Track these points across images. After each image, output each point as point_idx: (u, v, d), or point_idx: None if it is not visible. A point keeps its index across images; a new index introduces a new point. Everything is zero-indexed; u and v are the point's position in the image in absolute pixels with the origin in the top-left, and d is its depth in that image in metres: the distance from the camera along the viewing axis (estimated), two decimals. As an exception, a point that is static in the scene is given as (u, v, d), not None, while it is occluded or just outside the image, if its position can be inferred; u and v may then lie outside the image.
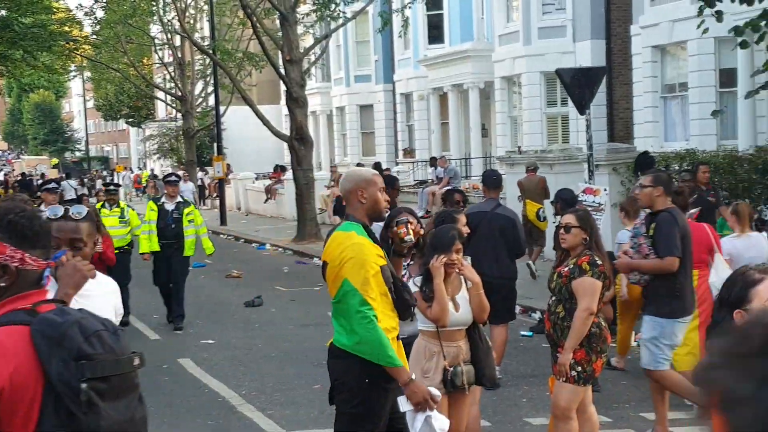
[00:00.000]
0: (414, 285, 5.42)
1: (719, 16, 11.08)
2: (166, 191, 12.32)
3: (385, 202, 4.67)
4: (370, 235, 4.58)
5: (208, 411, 8.08)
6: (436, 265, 5.32)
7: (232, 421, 7.80)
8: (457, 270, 5.41)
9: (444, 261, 5.32)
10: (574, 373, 5.70)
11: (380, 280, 4.47)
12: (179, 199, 12.20)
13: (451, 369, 5.33)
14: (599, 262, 5.71)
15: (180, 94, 32.55)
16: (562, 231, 5.99)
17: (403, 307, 4.64)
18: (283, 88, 34.60)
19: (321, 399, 8.30)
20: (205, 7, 31.05)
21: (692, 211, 10.59)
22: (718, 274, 7.68)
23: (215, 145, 28.63)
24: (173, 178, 12.46)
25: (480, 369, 5.47)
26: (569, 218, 5.98)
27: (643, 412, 7.66)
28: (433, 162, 25.20)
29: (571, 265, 5.81)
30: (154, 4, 30.22)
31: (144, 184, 44.22)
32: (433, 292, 5.33)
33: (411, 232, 4.81)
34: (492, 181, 9.04)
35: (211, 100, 32.30)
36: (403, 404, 4.56)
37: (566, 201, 9.48)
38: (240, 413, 7.99)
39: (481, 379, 5.54)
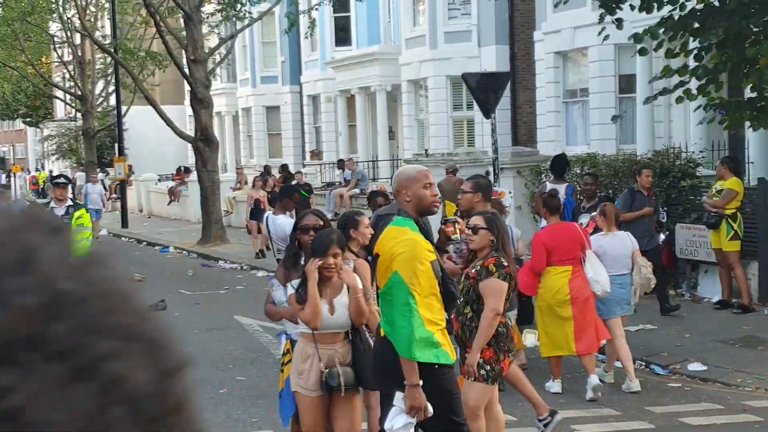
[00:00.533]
0: (291, 287, 5.56)
1: (619, 23, 11.36)
2: (53, 194, 11.79)
3: (432, 197, 4.98)
4: (422, 230, 4.90)
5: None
6: (310, 269, 5.39)
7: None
8: (336, 274, 5.47)
9: (318, 264, 5.38)
10: (482, 372, 5.80)
11: (431, 275, 4.79)
12: (69, 202, 11.70)
13: (326, 371, 5.39)
14: (505, 263, 5.79)
15: (80, 93, 31.70)
16: (469, 232, 6.06)
17: (449, 300, 4.99)
18: (187, 88, 34.04)
19: (227, 403, 8.16)
20: (107, 5, 30.31)
21: (593, 214, 10.86)
22: (594, 269, 8.17)
23: (116, 145, 27.96)
24: (62, 180, 11.93)
25: (360, 371, 5.52)
26: (477, 220, 6.07)
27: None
28: (340, 164, 25.19)
29: (478, 267, 5.88)
30: (54, 1, 29.34)
31: (41, 186, 42.87)
32: (307, 295, 5.40)
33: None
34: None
35: (112, 100, 31.55)
36: (398, 400, 4.87)
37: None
38: (143, 420, 7.78)
39: (364, 382, 5.60)
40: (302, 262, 5.69)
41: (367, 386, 5.77)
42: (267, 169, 24.65)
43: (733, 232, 11.39)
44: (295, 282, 5.61)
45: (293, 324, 5.83)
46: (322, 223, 5.99)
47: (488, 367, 5.76)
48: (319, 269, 5.42)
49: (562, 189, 11.39)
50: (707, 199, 11.78)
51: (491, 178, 13.18)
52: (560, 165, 11.89)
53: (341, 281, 5.55)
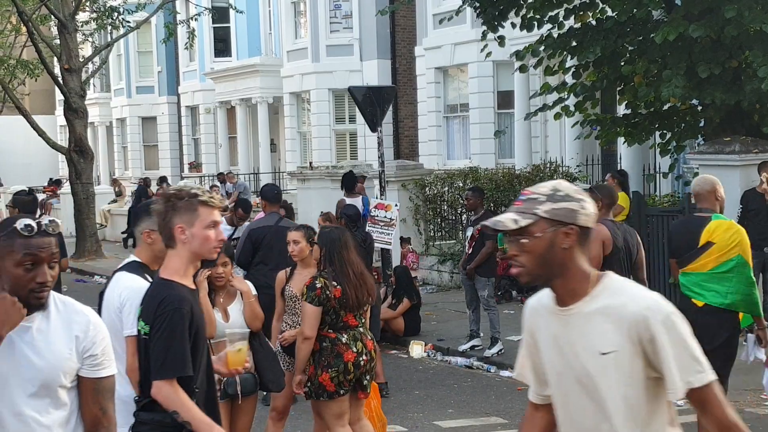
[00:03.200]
0: None
1: (502, 41, 11.65)
2: None
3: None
4: None
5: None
6: (199, 280, 5.39)
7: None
8: (226, 282, 5.57)
9: (207, 274, 5.45)
10: (306, 389, 5.83)
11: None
12: None
13: (225, 379, 5.34)
14: (318, 285, 5.73)
15: (-57, 101, 30.17)
16: (291, 245, 6.31)
17: None
18: (58, 97, 32.91)
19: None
20: (-27, 10, 28.99)
21: (476, 226, 11.07)
22: None
23: (-16, 156, 26.78)
24: None
25: (263, 375, 5.61)
26: (295, 235, 6.32)
27: (436, 420, 7.87)
28: (221, 178, 24.80)
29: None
30: None
31: None
32: None
33: None
34: (273, 195, 9.22)
35: (-21, 109, 30.17)
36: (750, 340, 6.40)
37: (350, 217, 9.62)
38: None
39: (266, 385, 5.69)
40: None
41: (272, 389, 5.83)
42: (146, 182, 24.10)
43: (619, 245, 11.79)
44: None
45: None
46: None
47: (309, 383, 5.79)
48: (209, 278, 5.51)
49: (358, 201, 12.14)
50: None
51: (377, 191, 13.27)
52: (349, 181, 12.61)
53: (234, 288, 5.64)
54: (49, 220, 2.98)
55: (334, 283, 5.73)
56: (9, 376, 2.97)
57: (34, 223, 2.92)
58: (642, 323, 2.58)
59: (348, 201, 11.80)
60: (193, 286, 3.76)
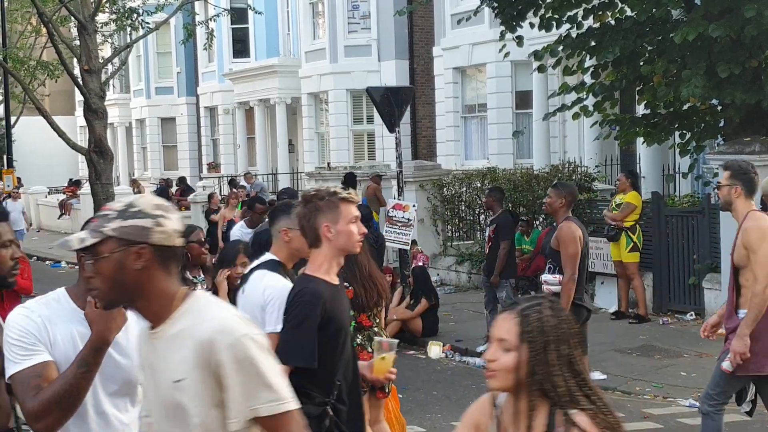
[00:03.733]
0: None
1: (520, 41, 11.61)
2: None
3: None
4: None
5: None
6: (218, 280, 5.52)
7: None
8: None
9: (227, 274, 5.51)
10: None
11: None
12: None
13: None
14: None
15: (-35, 103, 30.42)
16: None
17: None
18: (78, 98, 33.08)
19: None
20: (-6, 12, 29.24)
21: (491, 227, 11.07)
22: None
23: (5, 157, 26.92)
24: None
25: None
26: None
27: (455, 421, 7.85)
28: (233, 184, 24.73)
29: None
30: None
31: None
32: None
33: None
34: (281, 197, 9.50)
35: (1, 110, 30.40)
36: None
37: (363, 217, 9.64)
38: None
39: None
40: (186, 276, 5.76)
41: None
42: (167, 182, 24.20)
43: (632, 243, 11.76)
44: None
45: None
46: (203, 235, 6.06)
47: None
48: (228, 278, 5.55)
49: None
50: (607, 212, 12.13)
51: (395, 191, 13.27)
52: (350, 181, 13.26)
53: None
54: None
55: (346, 284, 5.74)
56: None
57: None
58: (208, 347, 2.39)
59: None
60: (335, 282, 3.85)
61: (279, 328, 3.87)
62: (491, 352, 2.54)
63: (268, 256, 4.40)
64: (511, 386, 2.51)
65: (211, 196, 19.84)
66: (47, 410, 2.80)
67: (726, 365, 5.59)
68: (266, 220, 9.79)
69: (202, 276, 6.01)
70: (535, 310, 2.50)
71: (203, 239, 5.95)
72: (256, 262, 4.39)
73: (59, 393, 2.79)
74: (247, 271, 5.66)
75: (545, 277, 7.32)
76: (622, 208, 11.85)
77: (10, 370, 2.89)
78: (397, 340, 4.34)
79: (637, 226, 11.87)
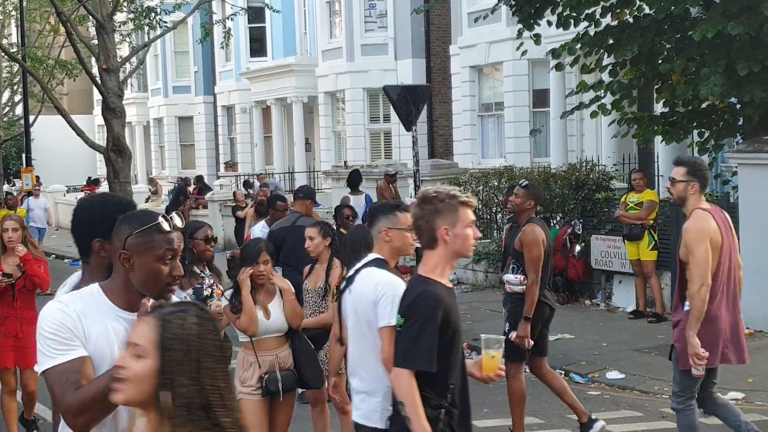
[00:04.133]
0: (225, 299, 5.71)
1: (537, 39, 11.58)
2: None
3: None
4: None
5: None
6: (242, 278, 5.56)
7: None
8: (267, 280, 5.68)
9: (249, 272, 5.57)
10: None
11: None
12: None
13: (266, 375, 5.57)
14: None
15: (-16, 102, 30.64)
16: (307, 241, 6.47)
17: None
18: (96, 97, 33.22)
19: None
20: (14, 13, 29.41)
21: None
22: None
23: (24, 156, 27.07)
24: None
25: (303, 372, 5.77)
26: (311, 231, 6.52)
27: (472, 420, 7.84)
28: (248, 185, 24.83)
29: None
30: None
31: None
32: (241, 304, 5.55)
33: None
34: (297, 195, 9.37)
35: (19, 109, 30.58)
36: None
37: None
38: None
39: (306, 382, 5.85)
40: (194, 270, 5.84)
41: (312, 385, 5.98)
42: (186, 181, 24.28)
43: (654, 242, 11.72)
44: (228, 293, 5.74)
45: None
46: (211, 233, 6.12)
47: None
48: (251, 277, 5.60)
49: (361, 199, 12.93)
50: (623, 211, 12.02)
51: (411, 190, 13.28)
52: (355, 179, 13.37)
53: (273, 286, 5.75)
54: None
55: None
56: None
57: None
58: None
59: (352, 199, 12.05)
60: (449, 285, 3.85)
61: (393, 321, 3.94)
62: (121, 358, 2.34)
63: (372, 255, 4.47)
64: (139, 399, 2.31)
65: (235, 194, 19.96)
66: (86, 408, 2.81)
67: (695, 371, 5.68)
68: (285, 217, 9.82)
69: (209, 271, 6.05)
70: (178, 317, 2.31)
71: (210, 236, 5.98)
72: (361, 262, 4.44)
73: (99, 393, 2.76)
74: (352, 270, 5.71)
75: (507, 277, 7.33)
76: (646, 207, 11.77)
77: (44, 364, 2.89)
78: (503, 337, 4.29)
79: (655, 224, 11.83)
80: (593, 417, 7.19)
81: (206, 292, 5.83)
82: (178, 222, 3.01)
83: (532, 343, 7.04)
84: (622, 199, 12.28)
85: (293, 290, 5.80)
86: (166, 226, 2.95)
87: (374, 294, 4.19)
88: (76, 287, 3.25)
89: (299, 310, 5.76)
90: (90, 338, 2.92)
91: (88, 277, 3.28)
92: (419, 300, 3.69)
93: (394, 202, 4.81)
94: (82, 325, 2.92)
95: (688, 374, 5.76)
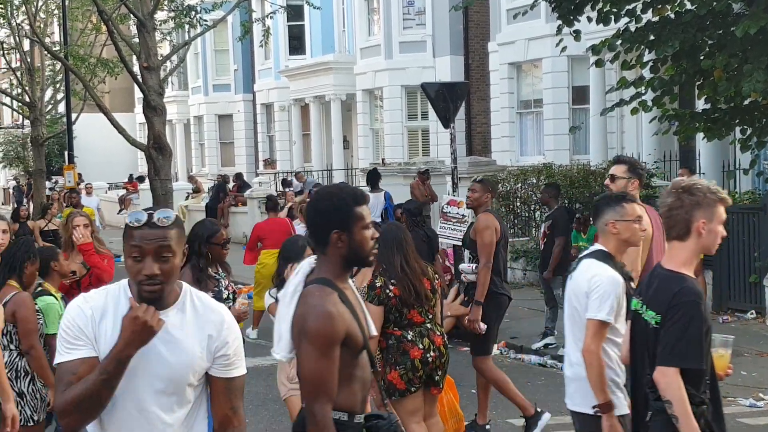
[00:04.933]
0: (270, 296, 5.74)
1: (577, 35, 11.48)
2: None
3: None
4: None
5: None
6: (287, 274, 5.52)
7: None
8: None
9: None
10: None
11: None
12: None
13: None
14: (378, 284, 5.76)
15: (28, 100, 31.09)
16: None
17: None
18: (137, 95, 33.61)
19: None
20: (57, 12, 29.84)
21: (546, 223, 11.01)
22: None
23: (66, 153, 27.46)
24: None
25: None
26: None
27: (510, 419, 7.82)
28: (286, 183, 24.99)
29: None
30: (3, 7, 28.79)
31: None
32: None
33: None
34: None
35: (61, 107, 31.01)
36: None
37: (411, 212, 9.68)
38: None
39: None
40: (210, 273, 5.85)
41: None
42: (225, 178, 24.47)
43: (695, 240, 11.57)
44: (273, 291, 5.74)
45: None
46: (227, 235, 6.17)
47: (381, 381, 5.79)
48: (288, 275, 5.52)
49: (380, 197, 13.40)
50: None
51: (449, 188, 13.25)
52: (374, 177, 13.76)
53: None
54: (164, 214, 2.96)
55: (393, 281, 5.75)
56: (137, 371, 2.90)
57: (144, 216, 2.92)
58: None
59: (372, 197, 12.13)
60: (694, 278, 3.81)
61: (600, 315, 4.05)
62: None
63: (596, 247, 4.51)
64: None
65: (284, 193, 20.14)
66: (68, 411, 2.85)
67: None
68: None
69: (222, 271, 6.07)
70: None
71: (225, 239, 6.01)
72: (586, 251, 4.51)
73: (79, 396, 2.81)
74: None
75: (462, 266, 7.64)
76: (693, 204, 11.63)
77: (56, 358, 2.94)
78: (732, 337, 4.19)
79: (701, 222, 11.66)
80: (539, 410, 7.24)
81: (225, 294, 5.83)
82: (162, 219, 2.92)
83: (484, 326, 7.24)
84: None
85: None
86: (134, 222, 2.90)
87: (587, 285, 4.30)
88: (308, 276, 3.38)
89: None
90: (103, 337, 2.91)
91: (324, 267, 3.36)
92: (682, 296, 3.62)
93: (620, 194, 4.80)
94: (95, 323, 2.91)
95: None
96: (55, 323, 5.52)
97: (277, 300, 5.61)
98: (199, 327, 2.97)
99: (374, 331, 5.76)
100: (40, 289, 5.89)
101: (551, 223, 10.75)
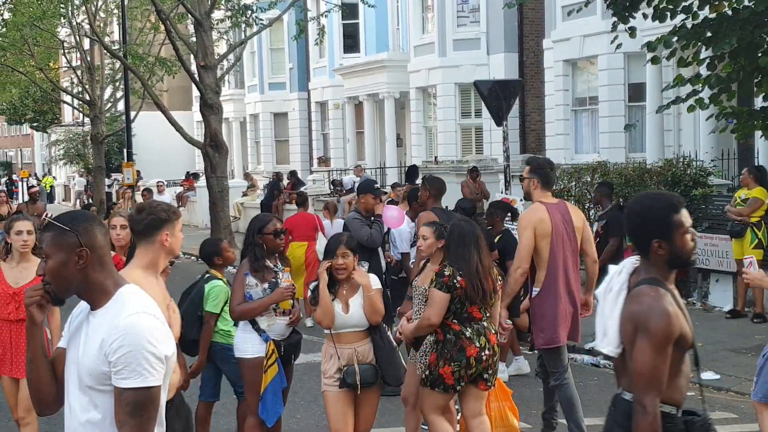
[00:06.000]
0: (309, 291, 5.81)
1: (633, 32, 11.36)
2: None
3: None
4: None
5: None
6: (320, 270, 5.64)
7: None
8: (347, 274, 5.67)
9: (327, 266, 5.62)
10: (423, 375, 5.89)
11: None
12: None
13: (345, 368, 5.60)
14: (447, 273, 5.77)
15: (88, 98, 31.75)
16: (420, 240, 6.37)
17: None
18: (195, 94, 34.08)
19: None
20: (116, 11, 30.39)
21: (600, 223, 10.91)
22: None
23: (125, 151, 27.97)
24: None
25: (383, 369, 5.73)
26: (425, 230, 6.32)
27: (562, 418, 7.77)
28: (336, 183, 25.09)
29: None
30: (64, 6, 29.42)
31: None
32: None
33: None
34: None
35: (121, 105, 31.56)
36: None
37: (465, 210, 9.64)
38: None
39: (385, 379, 5.80)
40: (268, 265, 6.00)
41: (390, 383, 5.91)
42: (279, 176, 24.69)
43: (757, 240, 11.35)
44: (312, 284, 5.83)
45: (267, 321, 6.01)
46: (280, 226, 6.22)
47: (427, 371, 5.82)
48: (330, 270, 5.65)
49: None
50: (731, 207, 11.73)
51: (502, 185, 13.20)
52: (411, 173, 14.21)
53: (357, 282, 5.74)
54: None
55: (459, 273, 5.78)
56: (70, 364, 2.99)
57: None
58: None
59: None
60: None
61: None
62: None
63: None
64: None
65: (337, 191, 20.33)
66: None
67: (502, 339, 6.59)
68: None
69: (281, 264, 6.13)
70: None
71: (279, 229, 6.09)
72: None
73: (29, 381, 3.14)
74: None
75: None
76: (749, 203, 11.44)
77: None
78: None
79: (762, 222, 11.43)
80: None
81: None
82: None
83: None
84: (735, 195, 11.99)
85: (377, 286, 5.75)
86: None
87: None
88: (632, 275, 3.49)
89: (379, 307, 5.68)
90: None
91: (651, 268, 3.46)
92: None
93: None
94: (72, 319, 3.11)
95: (550, 352, 6.71)
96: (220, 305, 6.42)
97: (312, 293, 5.72)
98: (101, 328, 2.90)
99: (436, 320, 5.80)
100: (208, 275, 6.64)
101: (606, 223, 10.64)
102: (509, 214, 10.20)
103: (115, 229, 6.73)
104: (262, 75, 36.43)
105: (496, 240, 9.23)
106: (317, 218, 12.82)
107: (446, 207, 8.84)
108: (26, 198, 25.49)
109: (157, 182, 25.10)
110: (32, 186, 22.65)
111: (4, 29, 31.27)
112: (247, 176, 29.92)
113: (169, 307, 4.38)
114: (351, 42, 30.83)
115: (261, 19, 23.51)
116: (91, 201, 27.18)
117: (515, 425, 6.56)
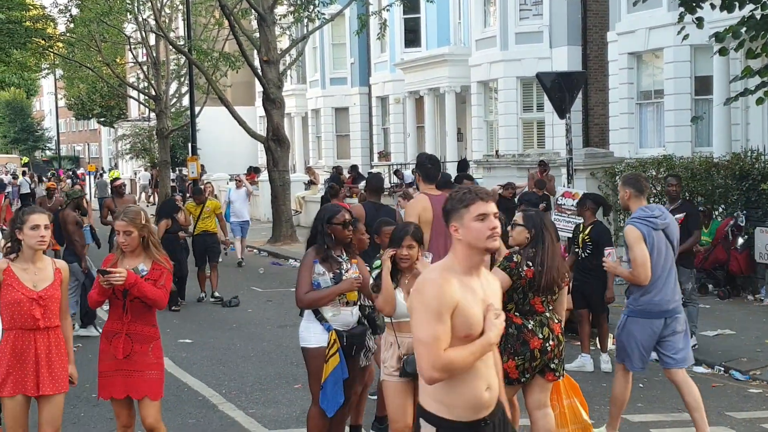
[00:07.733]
0: (371, 278, 5.81)
1: (700, 22, 11.14)
2: None
3: None
4: None
5: (188, 410, 8.00)
6: (384, 258, 5.64)
7: (213, 419, 7.73)
8: (411, 264, 5.68)
9: (392, 254, 5.62)
10: None
11: None
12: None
13: (405, 357, 5.57)
14: (515, 259, 5.77)
15: (154, 93, 32.30)
16: (510, 228, 6.20)
17: None
18: (257, 89, 34.46)
19: (301, 398, 8.24)
20: (181, 7, 30.83)
21: (676, 216, 10.68)
22: None
23: (189, 145, 28.38)
24: None
25: None
26: (517, 217, 6.23)
27: (626, 414, 7.68)
28: (398, 175, 24.98)
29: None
30: (130, 2, 29.97)
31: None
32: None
33: None
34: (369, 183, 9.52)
35: (185, 100, 32.02)
36: None
37: (532, 203, 9.58)
38: (221, 412, 7.92)
39: None
40: (335, 255, 6.03)
41: None
42: (338, 170, 24.81)
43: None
44: (375, 272, 5.84)
45: (332, 311, 6.00)
46: (349, 217, 6.22)
47: None
48: (394, 259, 5.66)
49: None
50: None
51: (564, 179, 13.07)
52: (463, 168, 14.76)
53: (419, 272, 5.68)
54: None
55: (529, 263, 5.75)
56: None
57: None
58: None
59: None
60: None
61: None
62: None
63: None
64: None
65: (398, 185, 20.31)
66: None
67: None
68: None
69: (346, 255, 6.17)
70: None
71: (347, 220, 6.11)
72: None
73: None
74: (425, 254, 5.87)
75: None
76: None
77: None
78: None
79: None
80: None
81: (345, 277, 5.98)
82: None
83: None
84: None
85: None
86: None
87: None
88: None
89: None
90: None
91: None
92: None
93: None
94: None
95: None
96: None
97: (374, 281, 5.75)
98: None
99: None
100: None
101: (685, 216, 10.43)
102: (601, 207, 9.93)
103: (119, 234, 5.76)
104: (324, 70, 36.62)
105: (587, 231, 9.17)
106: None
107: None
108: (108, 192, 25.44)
109: (236, 177, 22.98)
110: (116, 179, 22.39)
111: (72, 25, 31.97)
112: (308, 170, 30.12)
113: None
114: (412, 36, 30.80)
115: (323, 14, 23.64)
116: (173, 192, 26.80)
117: (588, 422, 6.46)
